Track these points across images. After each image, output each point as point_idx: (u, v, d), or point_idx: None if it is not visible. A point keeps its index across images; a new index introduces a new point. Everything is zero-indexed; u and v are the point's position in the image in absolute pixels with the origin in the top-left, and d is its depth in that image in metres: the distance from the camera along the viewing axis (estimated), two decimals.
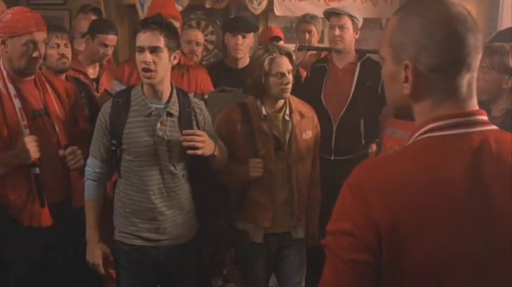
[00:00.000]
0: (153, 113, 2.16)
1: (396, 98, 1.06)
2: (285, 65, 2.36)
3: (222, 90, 2.69)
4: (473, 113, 1.00)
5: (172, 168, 2.20)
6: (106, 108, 2.20)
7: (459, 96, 1.00)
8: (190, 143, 2.13)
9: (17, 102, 2.17)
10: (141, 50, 2.08)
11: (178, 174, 2.23)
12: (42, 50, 2.21)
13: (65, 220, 2.28)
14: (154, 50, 2.07)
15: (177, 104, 2.20)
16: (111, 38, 3.15)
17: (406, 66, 0.99)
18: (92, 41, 3.12)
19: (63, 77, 2.74)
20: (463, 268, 0.93)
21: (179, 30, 2.79)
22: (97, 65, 3.27)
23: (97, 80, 3.20)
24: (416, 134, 1.01)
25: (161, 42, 2.07)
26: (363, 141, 3.05)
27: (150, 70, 2.07)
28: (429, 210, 0.92)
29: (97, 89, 3.13)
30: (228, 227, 2.57)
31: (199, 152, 2.13)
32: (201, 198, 2.37)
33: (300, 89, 2.61)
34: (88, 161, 2.25)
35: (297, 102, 2.51)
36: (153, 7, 2.98)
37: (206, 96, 2.79)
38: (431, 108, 1.00)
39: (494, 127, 1.01)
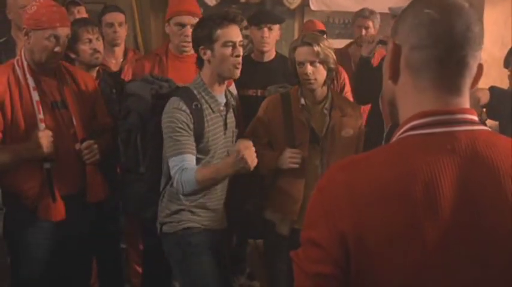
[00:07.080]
0: (221, 107, 2.19)
1: (386, 90, 0.98)
2: (304, 54, 2.31)
3: (282, 87, 2.64)
4: (461, 111, 0.90)
5: None
6: (183, 111, 2.04)
7: (446, 90, 0.90)
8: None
9: (35, 95, 2.16)
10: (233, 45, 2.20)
11: None
12: (64, 46, 2.21)
13: (79, 212, 2.29)
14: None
15: (229, 94, 2.26)
16: (114, 16, 3.24)
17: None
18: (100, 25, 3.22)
19: (95, 71, 2.72)
20: (442, 282, 0.83)
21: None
22: (119, 57, 3.31)
23: (119, 73, 3.19)
24: (399, 132, 0.92)
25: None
26: None
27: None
28: (404, 219, 0.83)
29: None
30: (255, 214, 2.49)
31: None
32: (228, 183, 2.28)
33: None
34: (179, 158, 2.02)
35: (340, 99, 2.48)
36: (173, 3, 2.91)
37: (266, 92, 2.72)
38: (415, 102, 0.91)
39: (484, 127, 0.90)
